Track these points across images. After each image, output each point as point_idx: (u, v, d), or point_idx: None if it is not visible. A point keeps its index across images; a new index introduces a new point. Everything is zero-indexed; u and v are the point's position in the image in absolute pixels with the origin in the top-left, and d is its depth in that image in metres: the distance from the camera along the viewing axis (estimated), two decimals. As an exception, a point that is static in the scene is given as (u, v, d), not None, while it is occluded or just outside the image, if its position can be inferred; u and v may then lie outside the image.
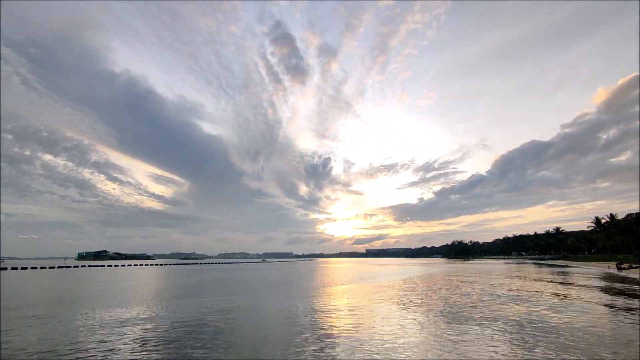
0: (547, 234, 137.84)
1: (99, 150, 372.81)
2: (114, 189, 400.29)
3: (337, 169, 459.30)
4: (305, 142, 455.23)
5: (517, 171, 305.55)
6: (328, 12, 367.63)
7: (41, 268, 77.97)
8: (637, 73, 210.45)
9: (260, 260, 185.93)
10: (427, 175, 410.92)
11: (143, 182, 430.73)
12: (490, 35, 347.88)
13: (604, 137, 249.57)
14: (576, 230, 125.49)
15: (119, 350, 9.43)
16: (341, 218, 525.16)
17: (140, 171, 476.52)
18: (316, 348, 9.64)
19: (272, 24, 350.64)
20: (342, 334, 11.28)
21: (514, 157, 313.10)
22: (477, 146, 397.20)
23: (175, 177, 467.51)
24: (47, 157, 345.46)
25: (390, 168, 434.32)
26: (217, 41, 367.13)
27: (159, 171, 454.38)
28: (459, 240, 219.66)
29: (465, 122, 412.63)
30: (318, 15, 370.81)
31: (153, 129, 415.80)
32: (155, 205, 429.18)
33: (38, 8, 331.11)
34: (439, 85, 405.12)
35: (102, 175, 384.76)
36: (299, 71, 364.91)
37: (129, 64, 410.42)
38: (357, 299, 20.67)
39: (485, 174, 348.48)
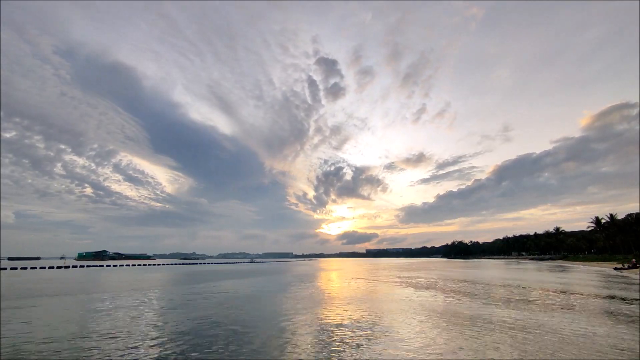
0: (547, 234, 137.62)
1: (123, 151, 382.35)
2: (130, 189, 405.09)
3: (346, 175, 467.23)
4: (322, 149, 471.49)
5: (513, 179, 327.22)
6: (375, 41, 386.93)
7: (41, 268, 77.77)
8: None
9: (248, 260, 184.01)
10: (440, 172, 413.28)
11: (158, 182, 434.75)
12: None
13: (596, 148, 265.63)
14: (575, 230, 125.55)
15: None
16: (342, 219, 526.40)
17: (157, 172, 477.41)
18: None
19: (323, 51, 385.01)
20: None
21: (511, 166, 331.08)
22: (499, 136, 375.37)
23: (184, 178, 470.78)
24: (69, 157, 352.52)
25: (395, 167, 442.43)
26: (267, 60, 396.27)
27: (172, 172, 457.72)
28: (459, 240, 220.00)
29: (482, 113, 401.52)
30: (364, 42, 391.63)
31: (177, 132, 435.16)
32: (162, 205, 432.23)
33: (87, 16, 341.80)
34: (453, 92, 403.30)
35: (118, 175, 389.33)
36: (336, 89, 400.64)
37: (170, 74, 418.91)
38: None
39: (484, 180, 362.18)
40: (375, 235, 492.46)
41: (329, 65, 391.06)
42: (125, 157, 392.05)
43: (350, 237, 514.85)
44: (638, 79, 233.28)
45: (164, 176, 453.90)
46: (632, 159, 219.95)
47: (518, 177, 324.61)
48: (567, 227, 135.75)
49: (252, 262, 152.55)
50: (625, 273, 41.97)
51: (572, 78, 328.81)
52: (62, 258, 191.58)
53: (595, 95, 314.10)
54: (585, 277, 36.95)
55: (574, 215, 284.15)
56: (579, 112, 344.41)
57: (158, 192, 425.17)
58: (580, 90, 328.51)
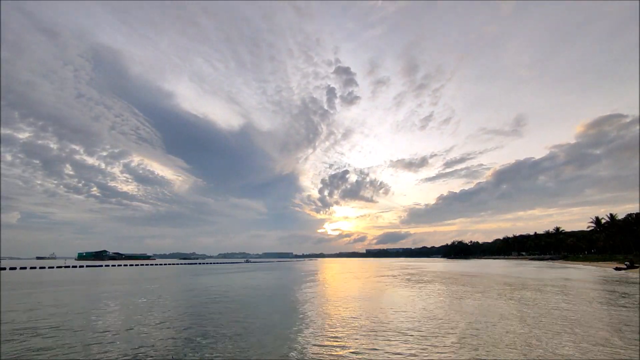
0: (547, 234, 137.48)
1: (135, 152, 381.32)
2: (137, 189, 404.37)
3: (351, 178, 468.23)
4: (330, 154, 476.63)
5: (511, 181, 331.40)
6: (392, 55, 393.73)
7: (40, 268, 77.78)
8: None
9: (244, 260, 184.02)
10: (447, 170, 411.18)
11: (166, 182, 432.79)
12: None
13: (594, 153, 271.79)
14: (574, 230, 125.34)
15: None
16: (344, 218, 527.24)
17: (167, 172, 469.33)
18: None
19: (342, 61, 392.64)
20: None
21: (509, 169, 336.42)
22: (511, 131, 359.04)
23: (191, 178, 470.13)
24: (80, 157, 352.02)
25: (399, 170, 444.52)
26: (289, 68, 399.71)
27: (181, 172, 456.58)
28: (459, 240, 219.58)
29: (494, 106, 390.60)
30: (382, 53, 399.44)
31: (188, 133, 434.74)
32: (169, 205, 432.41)
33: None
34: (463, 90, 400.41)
35: (127, 175, 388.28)
36: (351, 96, 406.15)
37: (191, 78, 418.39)
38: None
39: (484, 183, 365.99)
40: (376, 236, 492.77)
41: (348, 75, 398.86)
42: (137, 158, 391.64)
43: (351, 238, 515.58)
44: (638, 86, 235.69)
45: (172, 176, 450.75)
46: (627, 164, 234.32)
47: (516, 180, 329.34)
48: (565, 228, 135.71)
49: (248, 262, 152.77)
50: (624, 273, 41.88)
51: (572, 81, 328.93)
52: (63, 259, 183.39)
53: (591, 101, 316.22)
54: (587, 276, 36.91)
55: (571, 217, 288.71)
56: (577, 118, 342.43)
57: (166, 192, 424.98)
58: (579, 94, 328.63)
